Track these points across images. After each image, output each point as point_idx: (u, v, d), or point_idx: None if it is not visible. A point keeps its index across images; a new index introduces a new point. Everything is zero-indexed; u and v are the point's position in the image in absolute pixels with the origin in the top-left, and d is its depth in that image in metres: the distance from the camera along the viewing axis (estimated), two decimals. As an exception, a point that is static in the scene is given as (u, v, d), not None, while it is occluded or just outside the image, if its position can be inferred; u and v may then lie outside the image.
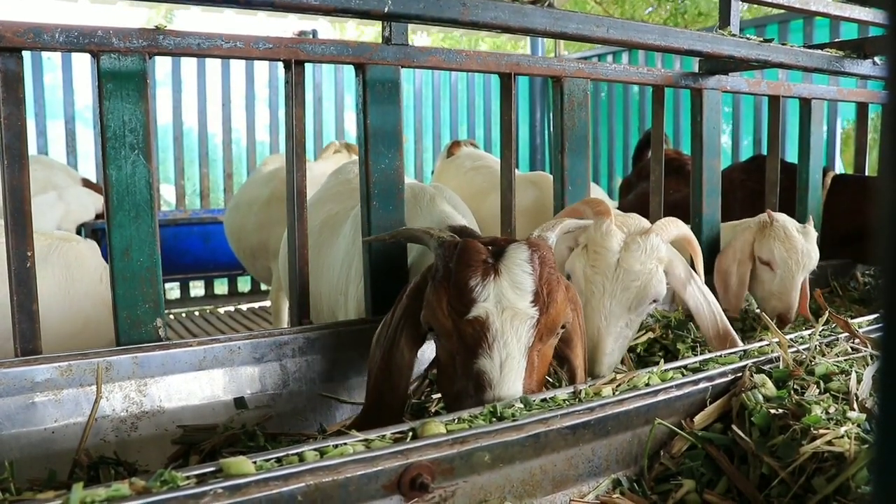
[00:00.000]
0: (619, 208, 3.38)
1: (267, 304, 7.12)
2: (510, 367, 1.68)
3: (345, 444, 1.37)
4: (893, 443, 0.37)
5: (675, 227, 2.41)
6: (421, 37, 12.73)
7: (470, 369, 1.69)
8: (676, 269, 2.36)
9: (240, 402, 2.09)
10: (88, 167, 6.77)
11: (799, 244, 3.02)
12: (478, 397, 1.66)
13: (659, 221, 2.39)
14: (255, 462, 1.27)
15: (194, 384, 2.06)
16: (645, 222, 2.43)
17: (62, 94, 6.74)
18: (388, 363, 1.89)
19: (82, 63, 6.65)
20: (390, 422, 1.77)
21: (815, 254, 3.07)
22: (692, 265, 2.50)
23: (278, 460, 1.30)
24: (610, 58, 8.17)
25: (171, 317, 6.46)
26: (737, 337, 2.43)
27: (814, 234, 3.08)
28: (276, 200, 4.48)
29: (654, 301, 2.33)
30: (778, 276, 3.05)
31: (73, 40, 1.92)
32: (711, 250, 3.25)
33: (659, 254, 2.30)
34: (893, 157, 0.36)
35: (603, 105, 8.37)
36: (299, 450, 1.33)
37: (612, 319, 2.27)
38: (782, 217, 3.12)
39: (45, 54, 6.38)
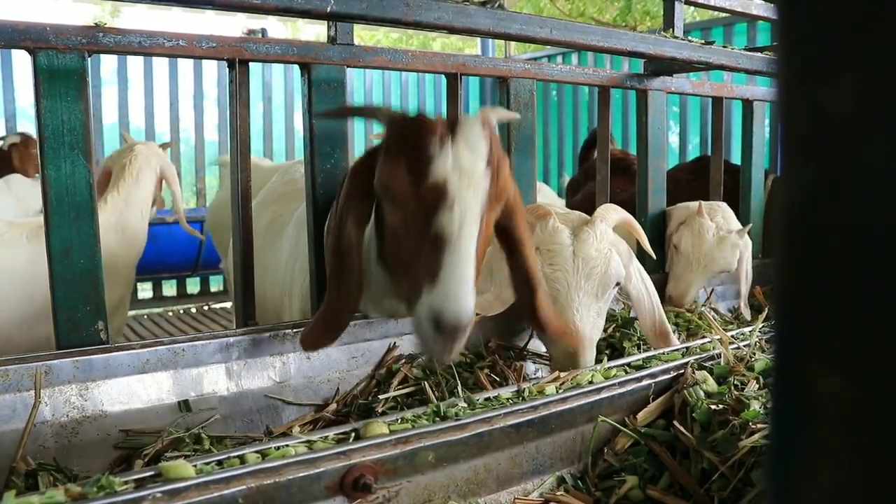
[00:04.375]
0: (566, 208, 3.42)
1: (217, 305, 7.04)
2: (469, 223, 1.72)
3: (287, 445, 1.36)
4: (786, 437, 0.39)
5: (615, 212, 2.46)
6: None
7: (427, 228, 1.73)
8: (623, 257, 2.41)
9: (184, 405, 2.07)
10: (31, 167, 6.61)
11: (705, 246, 3.11)
12: (435, 255, 1.69)
13: (598, 209, 2.44)
14: (195, 465, 1.26)
15: (138, 387, 2.02)
16: (580, 214, 2.47)
17: (2, 91, 6.57)
18: (338, 245, 1.97)
19: (22, 60, 6.50)
20: (350, 303, 1.97)
21: (724, 260, 3.12)
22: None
23: (219, 463, 1.29)
24: (560, 58, 8.23)
25: (118, 319, 6.34)
26: (671, 331, 2.52)
27: (732, 243, 3.11)
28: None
29: (617, 284, 2.37)
30: (681, 263, 3.18)
31: (7, 36, 1.87)
32: (658, 250, 3.31)
33: (609, 237, 2.34)
34: (788, 153, 0.37)
35: (553, 105, 8.43)
36: (240, 452, 1.32)
37: (583, 311, 2.28)
38: (720, 214, 3.21)
39: (-16, 51, 6.23)
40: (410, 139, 1.80)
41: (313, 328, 2.03)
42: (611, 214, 2.42)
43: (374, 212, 2.00)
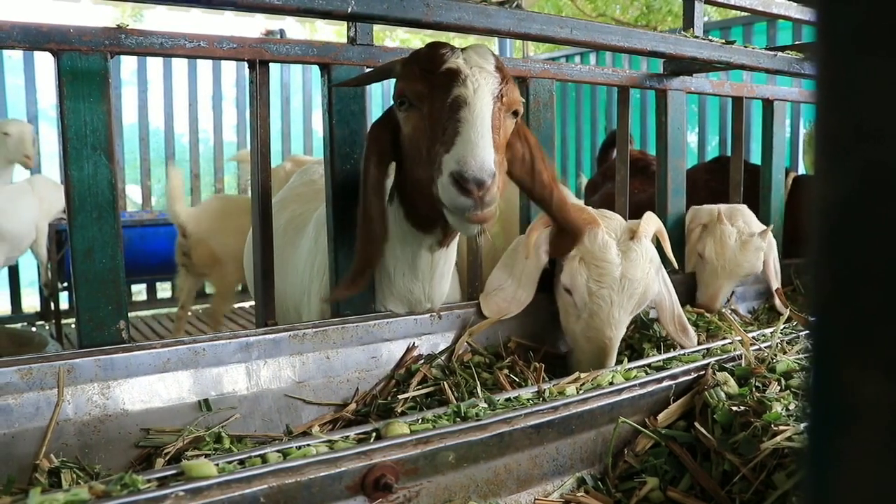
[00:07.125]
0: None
1: (235, 305, 7.06)
2: (482, 92, 1.84)
3: (308, 445, 1.37)
4: (822, 435, 0.38)
5: (654, 224, 2.48)
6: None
7: (443, 110, 1.83)
8: (654, 267, 2.43)
9: (205, 404, 2.08)
10: (52, 167, 6.69)
11: (729, 252, 3.10)
12: (452, 122, 1.78)
13: (642, 222, 2.45)
14: (217, 464, 1.26)
15: (159, 386, 2.03)
16: (619, 219, 2.47)
17: (24, 93, 6.64)
18: (363, 191, 2.08)
19: (45, 62, 6.56)
20: (376, 245, 2.08)
21: (749, 264, 3.12)
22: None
23: (241, 462, 1.30)
24: (578, 58, 8.21)
25: (139, 319, 6.40)
26: (691, 329, 2.58)
27: (755, 245, 3.11)
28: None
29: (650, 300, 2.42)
30: (707, 270, 3.17)
31: (31, 38, 1.89)
32: (677, 250, 3.29)
33: (651, 255, 2.36)
34: (825, 154, 0.37)
35: (571, 105, 8.41)
36: (262, 451, 1.33)
37: (620, 328, 2.34)
38: (741, 218, 3.18)
39: (6, 53, 6.28)
40: (423, 53, 1.97)
41: (343, 281, 2.15)
42: (651, 228, 2.44)
43: (396, 172, 2.16)
